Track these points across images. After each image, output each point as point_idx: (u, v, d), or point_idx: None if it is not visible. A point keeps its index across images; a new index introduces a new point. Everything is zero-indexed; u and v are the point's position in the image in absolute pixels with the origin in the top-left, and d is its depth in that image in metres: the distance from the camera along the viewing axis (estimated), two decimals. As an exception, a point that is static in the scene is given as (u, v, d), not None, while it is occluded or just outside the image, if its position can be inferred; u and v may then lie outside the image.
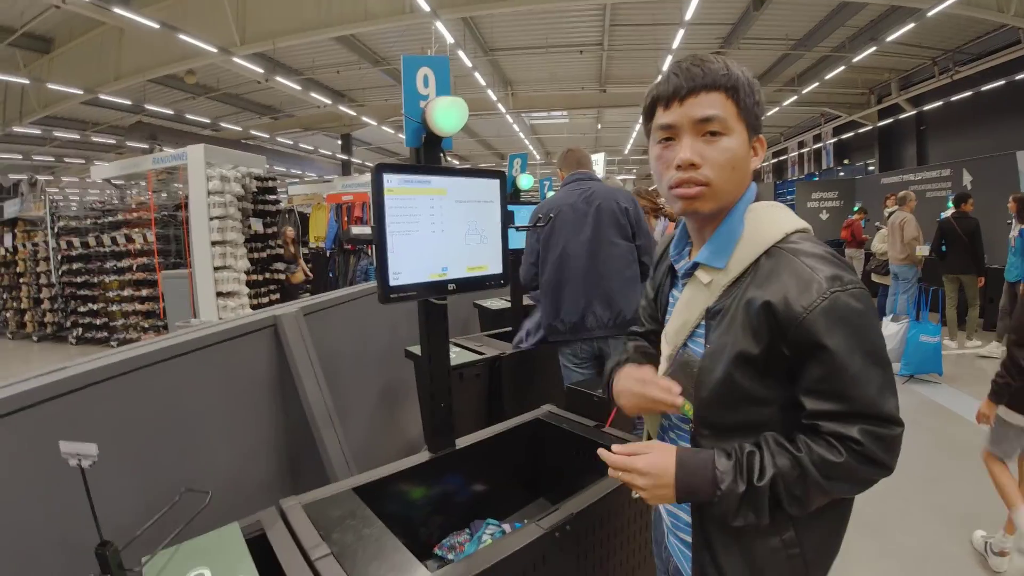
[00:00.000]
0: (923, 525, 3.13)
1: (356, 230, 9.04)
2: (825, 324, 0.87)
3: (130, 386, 1.75)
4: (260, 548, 1.35)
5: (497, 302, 4.51)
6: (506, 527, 1.92)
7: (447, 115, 1.58)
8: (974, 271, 6.79)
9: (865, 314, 0.89)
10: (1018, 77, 12.14)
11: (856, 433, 0.87)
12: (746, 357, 0.93)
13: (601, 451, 1.03)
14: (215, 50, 9.88)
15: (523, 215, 3.28)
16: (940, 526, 3.12)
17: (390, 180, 1.46)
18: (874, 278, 8.02)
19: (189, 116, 16.77)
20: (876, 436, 0.87)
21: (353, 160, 21.58)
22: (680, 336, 1.06)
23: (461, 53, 11.19)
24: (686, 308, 1.06)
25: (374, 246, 1.47)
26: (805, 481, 0.88)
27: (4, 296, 10.64)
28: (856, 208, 11.51)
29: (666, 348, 1.11)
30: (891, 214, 7.56)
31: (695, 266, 1.05)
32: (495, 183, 1.74)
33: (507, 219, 1.76)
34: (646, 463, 0.97)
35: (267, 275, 8.47)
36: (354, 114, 16.77)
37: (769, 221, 1.00)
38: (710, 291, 1.01)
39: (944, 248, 6.94)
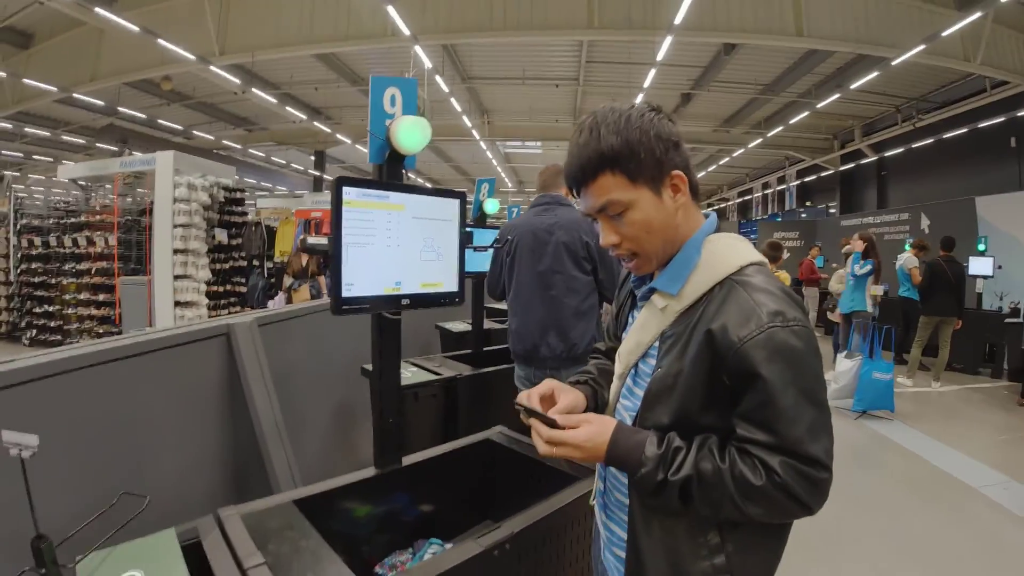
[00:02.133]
0: (876, 557, 3.20)
1: (312, 240, 8.99)
2: (761, 355, 0.88)
3: (77, 384, 1.73)
4: (195, 555, 1.33)
5: (459, 324, 4.51)
6: (449, 547, 1.91)
7: (410, 134, 1.61)
8: (956, 313, 7.00)
9: (804, 352, 0.90)
10: (981, 125, 12.51)
11: (777, 464, 0.87)
12: (693, 386, 0.95)
13: (533, 422, 1.04)
14: (193, 58, 9.81)
15: (486, 238, 3.31)
16: (891, 556, 3.19)
17: (349, 193, 1.48)
18: (830, 316, 8.24)
19: (162, 122, 16.54)
20: (798, 472, 0.87)
21: (325, 177, 21.47)
22: (633, 356, 1.10)
23: (439, 78, 11.31)
24: (641, 330, 1.09)
25: (330, 256, 1.48)
26: (721, 492, 0.90)
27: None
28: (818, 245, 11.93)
29: (619, 367, 1.15)
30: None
31: (652, 290, 1.08)
32: (455, 203, 1.77)
33: (464, 239, 1.79)
34: (586, 436, 0.99)
35: (228, 287, 8.34)
36: (329, 131, 16.73)
37: (726, 252, 1.02)
38: (664, 316, 1.04)
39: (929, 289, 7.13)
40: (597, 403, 1.24)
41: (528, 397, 1.10)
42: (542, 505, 1.59)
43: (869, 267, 6.70)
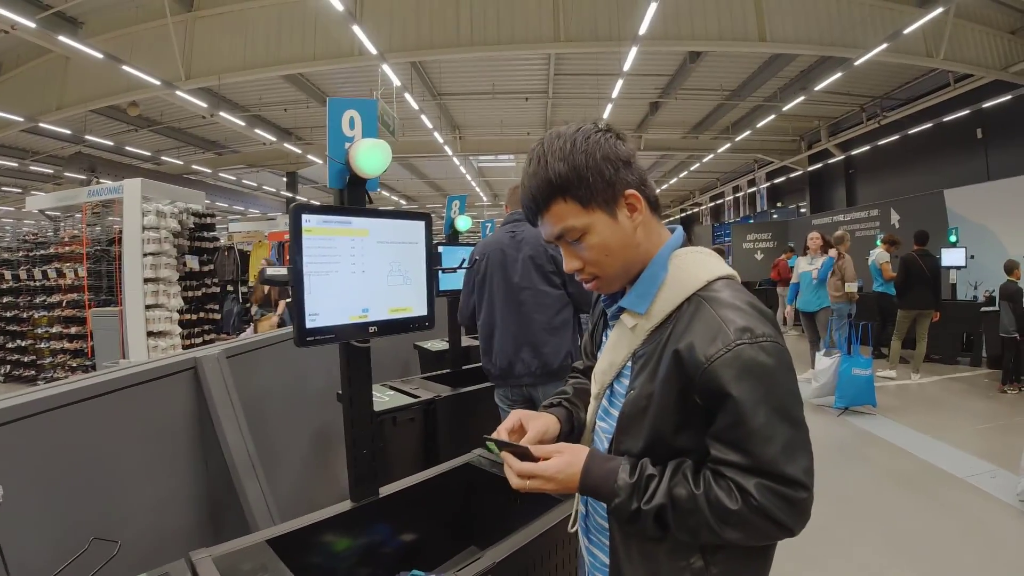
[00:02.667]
0: (866, 554, 3.19)
1: (271, 271, 8.71)
2: (729, 374, 0.85)
3: (41, 427, 1.69)
4: (166, 603, 1.29)
5: (438, 343, 4.45)
6: (432, 577, 1.86)
7: (370, 157, 1.58)
8: (933, 306, 7.09)
9: (774, 368, 0.87)
10: (946, 119, 12.76)
11: (752, 487, 0.84)
12: (665, 407, 0.93)
13: (505, 455, 1.00)
14: (159, 83, 9.70)
15: (459, 257, 3.28)
16: (883, 554, 3.18)
17: (308, 220, 1.44)
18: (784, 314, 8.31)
19: (130, 148, 16.31)
20: (775, 494, 0.84)
21: (298, 198, 21.28)
22: (607, 376, 1.08)
23: (408, 96, 11.30)
24: (613, 350, 1.07)
25: (291, 287, 1.43)
26: (697, 519, 0.87)
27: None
28: (789, 246, 12.05)
29: (594, 387, 1.13)
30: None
31: (621, 309, 1.06)
32: (420, 224, 1.74)
33: (433, 261, 1.75)
34: (556, 468, 0.96)
35: (201, 315, 8.21)
36: (300, 152, 16.63)
37: (692, 268, 1.00)
38: (635, 335, 1.01)
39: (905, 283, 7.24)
40: (573, 424, 1.21)
41: (497, 433, 1.07)
42: (525, 531, 1.55)
43: (830, 264, 6.81)
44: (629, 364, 1.03)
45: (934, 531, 3.43)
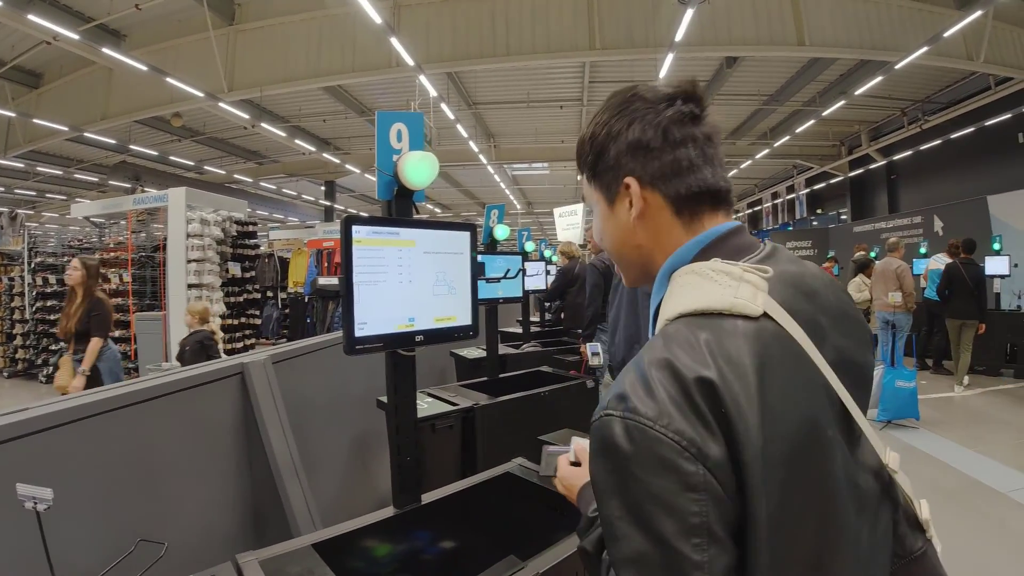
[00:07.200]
0: None
1: (323, 281, 8.78)
2: (592, 447, 0.68)
3: (91, 431, 1.73)
4: (214, 605, 1.31)
5: (474, 351, 4.47)
6: (473, 586, 1.86)
7: (418, 169, 1.60)
8: (976, 317, 6.88)
9: (630, 458, 0.62)
10: (988, 123, 12.45)
11: None
12: None
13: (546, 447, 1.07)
14: (202, 95, 9.98)
15: (499, 265, 3.30)
16: None
17: (359, 231, 1.47)
18: None
19: (173, 158, 16.81)
20: None
21: (336, 207, 21.67)
22: None
23: (444, 106, 11.41)
24: None
25: (341, 297, 1.47)
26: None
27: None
28: (829, 256, 11.78)
29: None
30: (858, 261, 7.74)
31: None
32: (465, 235, 1.76)
33: (476, 270, 1.77)
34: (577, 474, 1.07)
35: (242, 319, 8.40)
36: (338, 162, 16.94)
37: (678, 294, 0.76)
38: None
39: (948, 292, 7.10)
40: None
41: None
42: (567, 542, 1.55)
43: None
44: None
45: (976, 546, 3.33)
